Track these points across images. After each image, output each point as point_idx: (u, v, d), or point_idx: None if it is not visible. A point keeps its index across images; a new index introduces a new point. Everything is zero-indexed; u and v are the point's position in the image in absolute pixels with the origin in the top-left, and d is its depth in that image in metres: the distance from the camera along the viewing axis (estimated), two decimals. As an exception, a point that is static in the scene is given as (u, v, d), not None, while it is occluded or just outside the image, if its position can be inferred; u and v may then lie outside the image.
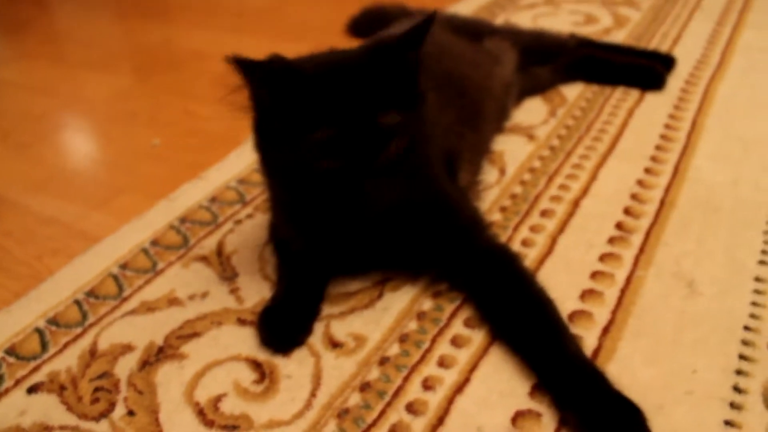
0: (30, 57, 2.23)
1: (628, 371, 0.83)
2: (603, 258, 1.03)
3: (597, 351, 0.87)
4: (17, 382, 0.93)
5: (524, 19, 1.96)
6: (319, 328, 0.95)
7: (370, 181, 0.84)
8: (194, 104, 1.68)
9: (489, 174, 1.24)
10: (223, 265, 1.10)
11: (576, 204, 1.15)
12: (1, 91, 1.99)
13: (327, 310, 0.98)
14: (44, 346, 0.98)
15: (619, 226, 1.09)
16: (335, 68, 0.87)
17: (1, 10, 2.67)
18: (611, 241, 1.06)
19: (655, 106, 1.44)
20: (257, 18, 2.35)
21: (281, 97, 0.85)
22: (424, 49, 0.88)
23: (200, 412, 0.85)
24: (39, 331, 1.01)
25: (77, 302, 1.05)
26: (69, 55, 2.28)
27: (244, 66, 0.83)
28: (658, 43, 1.75)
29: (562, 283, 0.97)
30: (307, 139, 0.84)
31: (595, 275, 1.00)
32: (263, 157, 0.94)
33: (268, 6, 2.45)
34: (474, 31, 1.47)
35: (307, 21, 2.25)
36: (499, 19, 1.96)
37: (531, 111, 1.45)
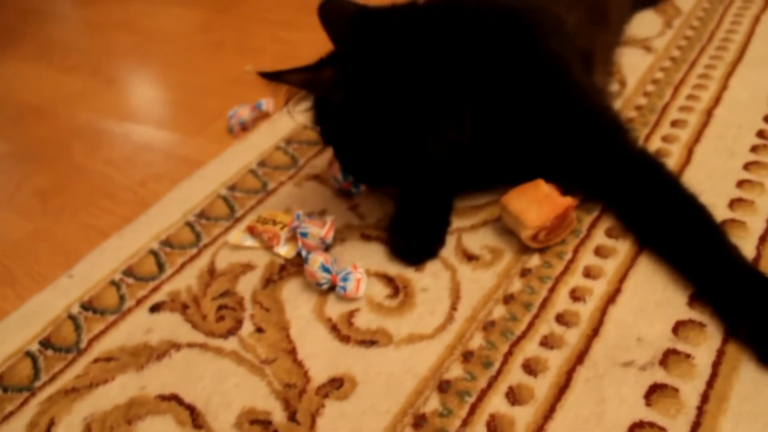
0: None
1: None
2: (748, 167, 0.95)
3: (756, 260, 0.80)
4: (139, 302, 0.91)
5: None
6: (450, 242, 0.90)
7: None
8: (281, 30, 1.62)
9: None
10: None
11: (709, 113, 1.07)
12: (83, 29, 1.98)
13: (456, 223, 0.93)
14: (161, 266, 0.96)
15: (761, 134, 1.01)
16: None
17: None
18: (754, 149, 0.98)
19: (784, 12, 1.33)
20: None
21: None
22: None
23: (334, 328, 0.81)
24: (154, 253, 0.99)
25: (188, 224, 1.03)
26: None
27: None
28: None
29: (706, 191, 0.88)
30: None
31: (741, 184, 0.92)
32: None
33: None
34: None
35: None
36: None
37: (645, 23, 1.35)
